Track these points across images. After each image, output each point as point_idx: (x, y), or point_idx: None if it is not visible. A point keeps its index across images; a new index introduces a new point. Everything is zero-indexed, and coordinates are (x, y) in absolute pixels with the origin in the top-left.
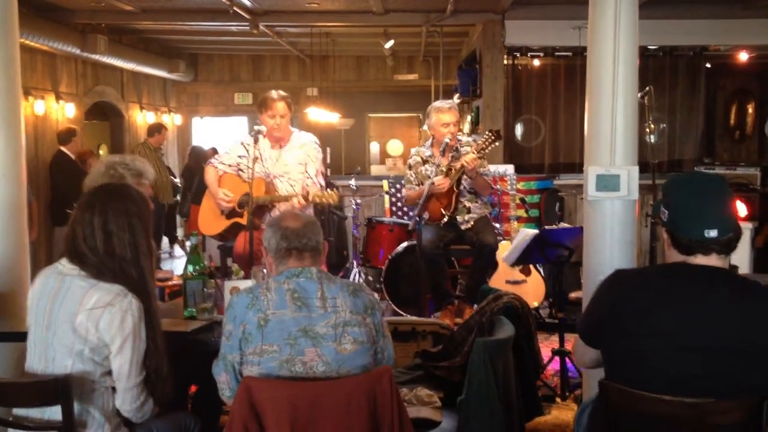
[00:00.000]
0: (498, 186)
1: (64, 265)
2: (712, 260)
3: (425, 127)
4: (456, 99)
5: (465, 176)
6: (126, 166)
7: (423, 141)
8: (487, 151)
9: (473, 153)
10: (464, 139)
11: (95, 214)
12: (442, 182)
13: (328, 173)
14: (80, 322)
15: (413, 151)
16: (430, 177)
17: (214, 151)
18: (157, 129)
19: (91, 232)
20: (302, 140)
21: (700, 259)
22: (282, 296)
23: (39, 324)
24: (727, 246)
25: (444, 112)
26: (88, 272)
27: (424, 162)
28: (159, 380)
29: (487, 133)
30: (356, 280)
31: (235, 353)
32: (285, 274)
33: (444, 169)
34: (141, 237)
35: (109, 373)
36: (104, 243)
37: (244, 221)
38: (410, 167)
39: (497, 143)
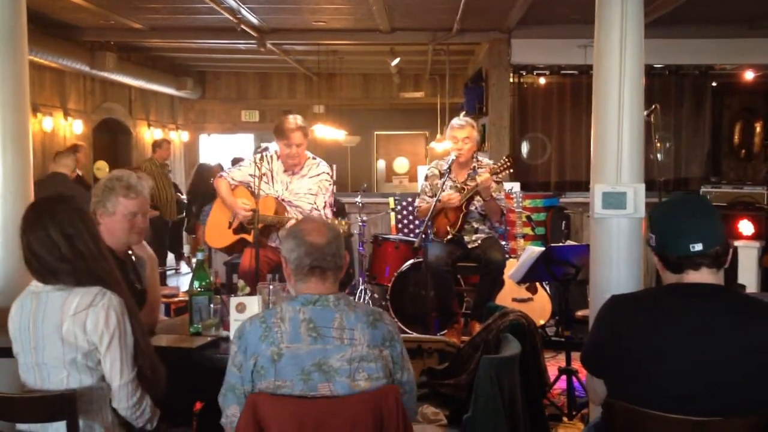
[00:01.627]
0: (504, 203)
1: (35, 284)
2: (704, 275)
3: (433, 144)
4: (462, 116)
5: (478, 197)
6: (119, 179)
7: (429, 158)
8: (500, 175)
9: (488, 173)
10: (485, 160)
11: (48, 226)
12: (452, 197)
13: (334, 190)
14: (67, 330)
15: (432, 163)
16: (443, 190)
17: (220, 168)
18: (158, 144)
19: (53, 244)
20: (316, 171)
21: (692, 276)
22: (296, 328)
23: (26, 349)
24: (716, 259)
25: (455, 129)
26: (66, 283)
27: (441, 175)
28: (154, 374)
29: (504, 158)
30: (362, 298)
31: (247, 385)
32: (300, 300)
33: (458, 185)
34: (96, 231)
35: (105, 378)
36: (70, 247)
37: (250, 237)
38: (426, 178)
39: (511, 170)
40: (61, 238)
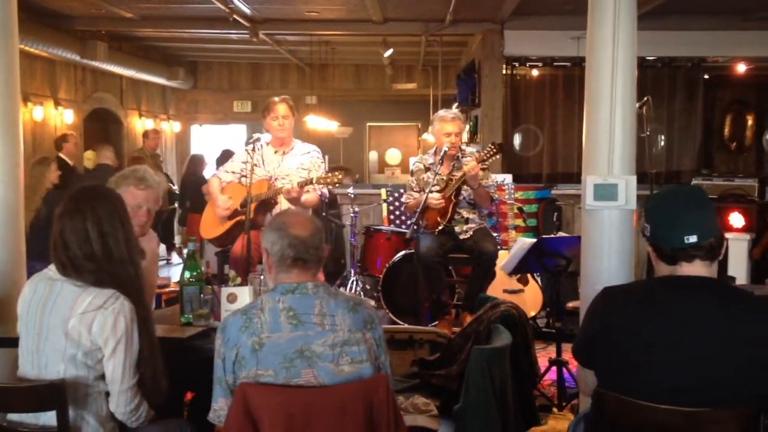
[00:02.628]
0: (496, 195)
1: (53, 271)
2: (697, 267)
3: (425, 136)
4: (455, 108)
5: (466, 186)
6: (135, 171)
7: (422, 150)
8: (488, 162)
9: (474, 161)
10: (468, 149)
11: (87, 219)
12: (438, 200)
13: (326, 168)
14: (73, 326)
15: (417, 158)
16: (430, 184)
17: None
18: (144, 134)
19: (86, 237)
20: (305, 149)
21: (685, 268)
22: (276, 317)
23: (30, 332)
24: (710, 252)
25: (447, 122)
26: (85, 281)
27: (427, 169)
28: (155, 384)
29: (489, 145)
30: (353, 289)
31: (229, 376)
32: (279, 289)
33: (444, 178)
34: (132, 233)
35: (103, 377)
36: (102, 246)
37: None
38: (412, 174)
39: (498, 156)
40: (96, 234)
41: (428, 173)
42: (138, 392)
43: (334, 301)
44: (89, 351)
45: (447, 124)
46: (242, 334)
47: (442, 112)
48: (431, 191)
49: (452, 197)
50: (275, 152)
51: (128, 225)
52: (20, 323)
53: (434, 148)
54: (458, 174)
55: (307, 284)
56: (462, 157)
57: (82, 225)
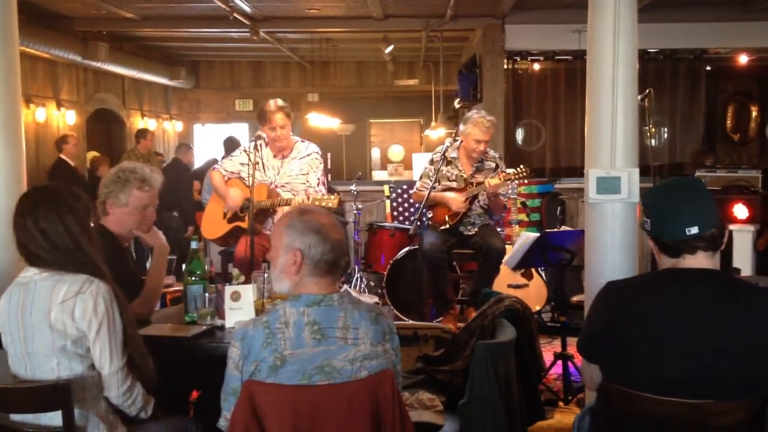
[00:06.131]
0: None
1: (23, 275)
2: (700, 259)
3: (428, 132)
4: (456, 104)
5: (483, 194)
6: (133, 172)
7: (424, 147)
8: (513, 181)
9: (499, 179)
10: (491, 153)
11: (26, 217)
12: (457, 200)
13: (329, 178)
14: (55, 317)
15: (439, 148)
16: (449, 179)
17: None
18: (141, 135)
19: (30, 234)
20: (305, 152)
21: (688, 260)
22: (300, 332)
23: (16, 339)
24: (711, 242)
25: (482, 131)
26: (51, 268)
27: (448, 163)
28: (144, 362)
29: (521, 167)
30: (357, 286)
31: None
32: (304, 300)
33: (464, 176)
34: (75, 227)
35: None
36: (44, 240)
37: (245, 225)
38: (431, 162)
39: (526, 180)
40: (36, 230)
41: (449, 167)
42: (129, 374)
43: (357, 312)
44: (76, 339)
45: (481, 132)
46: (264, 349)
47: (478, 117)
48: (449, 188)
49: (467, 202)
50: (274, 156)
51: (70, 221)
52: (4, 336)
53: (459, 142)
54: (479, 177)
55: (332, 296)
56: (485, 160)
57: (23, 223)
